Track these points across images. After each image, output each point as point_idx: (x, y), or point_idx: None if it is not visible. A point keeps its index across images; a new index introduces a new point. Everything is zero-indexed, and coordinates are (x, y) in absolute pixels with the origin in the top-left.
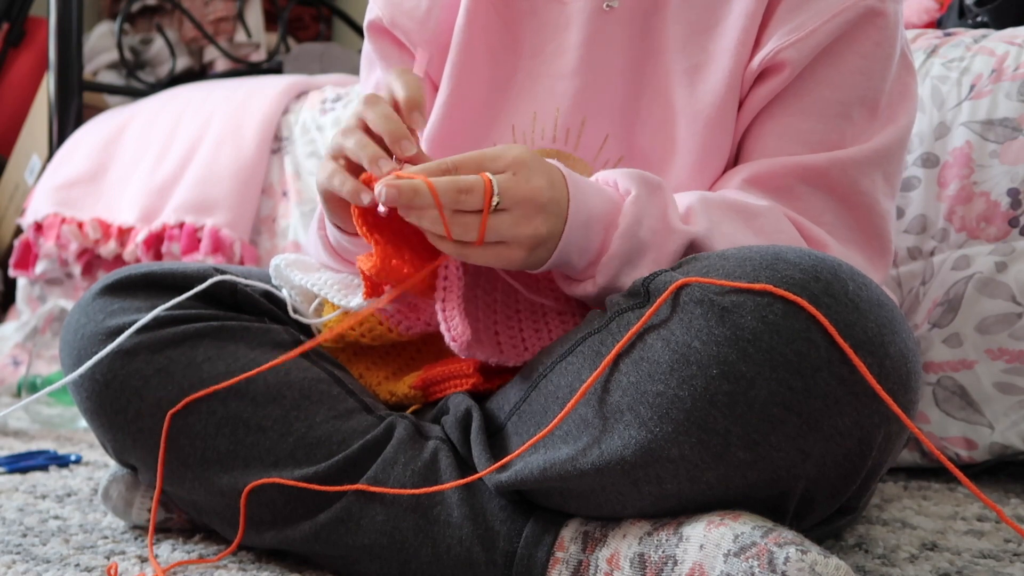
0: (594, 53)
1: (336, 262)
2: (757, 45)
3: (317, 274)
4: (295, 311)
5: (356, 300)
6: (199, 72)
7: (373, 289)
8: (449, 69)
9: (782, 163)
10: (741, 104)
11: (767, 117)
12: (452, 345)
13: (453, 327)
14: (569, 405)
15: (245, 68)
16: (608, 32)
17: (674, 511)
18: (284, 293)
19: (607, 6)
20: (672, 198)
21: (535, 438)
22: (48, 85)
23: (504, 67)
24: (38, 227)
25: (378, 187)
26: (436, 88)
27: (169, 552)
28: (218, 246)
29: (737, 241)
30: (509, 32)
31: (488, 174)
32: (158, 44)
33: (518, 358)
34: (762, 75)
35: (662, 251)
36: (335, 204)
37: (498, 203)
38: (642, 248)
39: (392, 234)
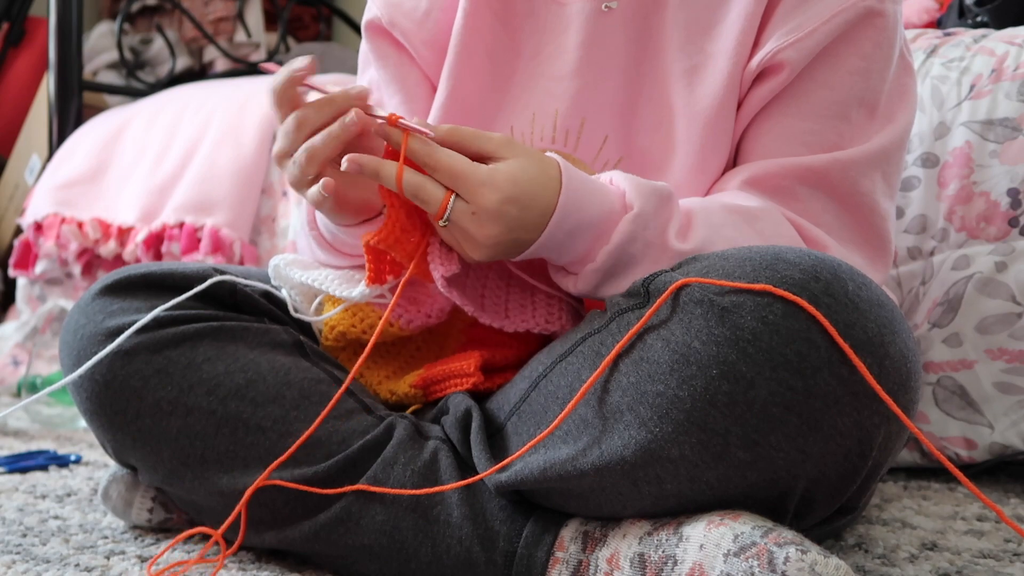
0: (593, 54)
1: (334, 257)
2: (756, 46)
3: (317, 271)
4: (296, 310)
5: (358, 290)
6: (199, 72)
7: (377, 275)
8: (447, 70)
9: (781, 164)
10: (740, 104)
11: (766, 118)
12: (436, 272)
13: (444, 259)
14: (569, 406)
15: (245, 68)
16: (607, 33)
17: (674, 511)
18: (284, 293)
19: (606, 7)
20: (677, 211)
21: (535, 439)
22: (48, 85)
23: (503, 68)
24: (38, 227)
25: (344, 158)
26: (435, 90)
27: (169, 552)
28: (218, 246)
29: (738, 245)
30: (508, 34)
31: (452, 197)
32: (158, 44)
33: (497, 321)
34: (761, 75)
35: (654, 266)
36: (322, 202)
37: (445, 224)
38: (630, 262)
39: (406, 202)
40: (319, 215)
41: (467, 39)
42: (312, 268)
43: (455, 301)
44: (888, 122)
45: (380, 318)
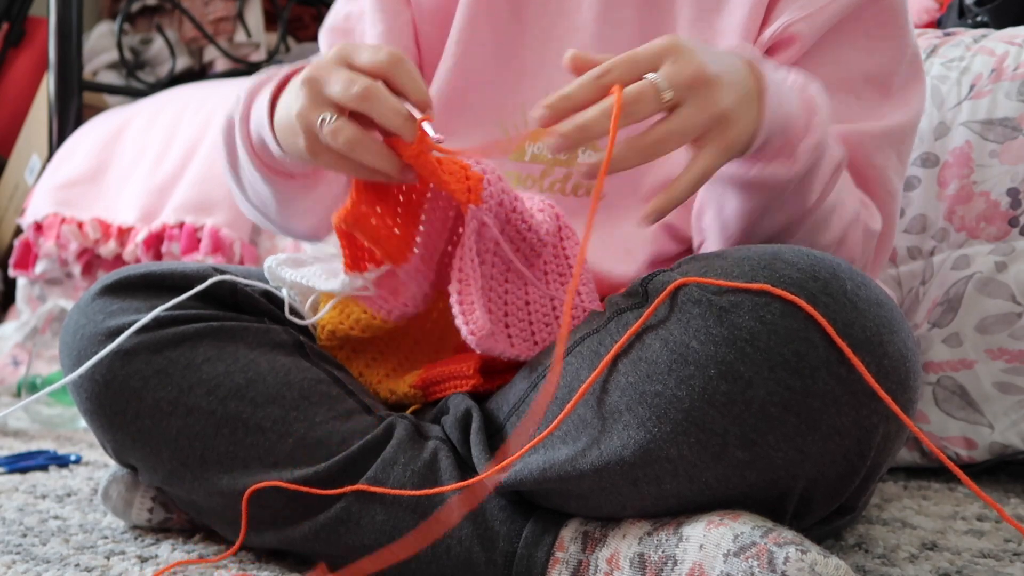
0: (605, 31)
1: (255, 166)
2: (765, 23)
3: (305, 268)
4: (291, 311)
5: (339, 281)
6: (199, 72)
7: (354, 261)
8: (455, 35)
9: None
10: None
11: None
12: (469, 339)
13: (472, 320)
14: (568, 406)
15: (245, 68)
16: (618, 10)
17: (674, 511)
18: (283, 293)
19: None
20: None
21: (534, 440)
22: (48, 85)
23: (512, 45)
24: (38, 227)
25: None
26: (420, 54)
27: (169, 552)
28: (218, 246)
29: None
30: (516, 17)
31: (647, 75)
32: (158, 44)
33: (528, 352)
34: (771, 49)
35: (832, 163)
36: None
37: (670, 98)
38: (825, 147)
39: (374, 186)
40: (262, 129)
41: (472, 14)
42: (304, 266)
43: (492, 354)
44: (903, 103)
45: (363, 311)
